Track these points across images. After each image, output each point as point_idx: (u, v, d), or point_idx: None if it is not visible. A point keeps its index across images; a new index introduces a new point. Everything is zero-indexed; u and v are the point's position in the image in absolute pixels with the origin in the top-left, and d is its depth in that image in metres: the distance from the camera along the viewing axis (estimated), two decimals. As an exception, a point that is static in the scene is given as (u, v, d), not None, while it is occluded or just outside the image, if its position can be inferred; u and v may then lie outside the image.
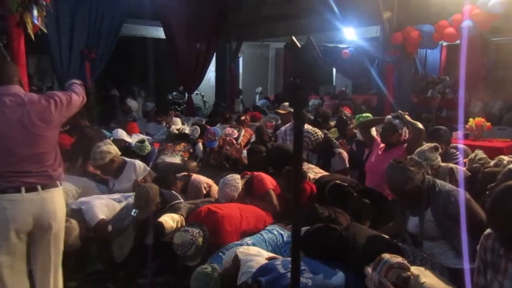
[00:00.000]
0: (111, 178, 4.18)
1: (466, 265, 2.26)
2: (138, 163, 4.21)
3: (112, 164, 4.08)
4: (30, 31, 3.65)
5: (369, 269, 2.05)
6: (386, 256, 2.03)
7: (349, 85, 14.77)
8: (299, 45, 1.20)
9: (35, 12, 3.60)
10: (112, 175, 4.16)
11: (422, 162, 2.90)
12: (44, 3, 3.68)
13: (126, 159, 4.24)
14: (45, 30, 3.82)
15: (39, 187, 2.55)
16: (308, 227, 2.63)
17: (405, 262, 2.04)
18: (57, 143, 2.74)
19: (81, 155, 4.58)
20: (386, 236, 2.59)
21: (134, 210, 3.33)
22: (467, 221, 2.46)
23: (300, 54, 1.19)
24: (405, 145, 3.86)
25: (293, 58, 1.25)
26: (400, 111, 4.00)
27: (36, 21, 3.62)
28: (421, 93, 10.79)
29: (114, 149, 4.11)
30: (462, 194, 2.50)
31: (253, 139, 6.05)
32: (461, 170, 3.45)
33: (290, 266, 2.17)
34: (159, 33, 10.96)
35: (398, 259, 2.03)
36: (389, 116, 4.03)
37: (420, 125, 3.79)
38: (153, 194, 3.45)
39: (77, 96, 2.82)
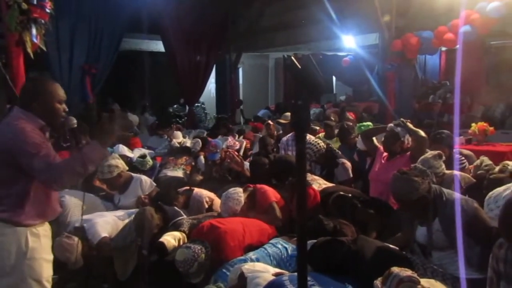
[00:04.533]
0: (117, 193, 4.17)
1: (463, 275, 2.22)
2: (145, 178, 4.19)
3: (119, 178, 4.07)
4: (29, 49, 3.66)
5: (378, 284, 2.00)
6: (396, 269, 1.98)
7: (349, 93, 14.77)
8: (299, 66, 1.17)
9: (34, 31, 3.62)
10: (118, 190, 4.15)
11: (426, 171, 2.86)
12: (43, 21, 3.70)
13: (133, 174, 4.24)
14: (44, 48, 3.83)
15: None
16: (314, 240, 2.58)
17: (415, 275, 1.99)
18: None
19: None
20: (395, 248, 2.54)
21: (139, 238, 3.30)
22: (475, 230, 2.43)
23: (301, 75, 1.16)
24: (409, 153, 3.82)
25: (294, 79, 1.22)
26: (402, 119, 3.96)
27: (35, 39, 3.62)
28: (422, 98, 10.77)
29: (121, 164, 4.12)
30: (458, 200, 2.45)
31: (255, 149, 6.01)
32: (457, 175, 3.40)
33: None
34: (158, 46, 11.01)
35: (408, 272, 1.98)
36: (391, 124, 3.99)
37: (423, 133, 3.75)
38: (149, 220, 3.41)
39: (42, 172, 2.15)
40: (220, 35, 10.70)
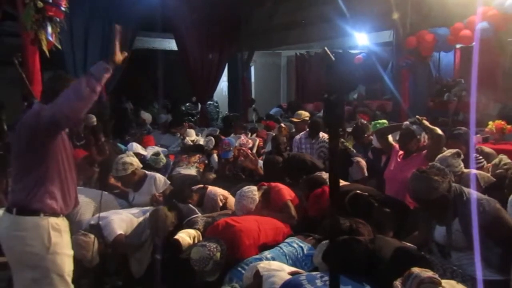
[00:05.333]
0: (131, 191, 4.19)
1: (479, 276, 2.17)
2: (159, 176, 4.20)
3: (133, 176, 4.08)
4: (44, 48, 3.68)
5: (398, 284, 1.97)
6: (416, 270, 1.94)
7: (362, 91, 14.65)
8: (333, 58, 1.12)
9: (49, 29, 3.63)
10: (133, 188, 4.16)
11: (445, 169, 2.80)
12: (58, 19, 3.71)
13: (147, 172, 4.25)
14: (59, 47, 3.85)
15: None
16: (330, 240, 2.54)
17: (436, 276, 1.95)
18: None
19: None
20: (413, 248, 2.50)
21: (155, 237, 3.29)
22: (497, 231, 2.37)
23: (335, 68, 1.12)
24: (425, 151, 3.76)
25: (327, 72, 1.18)
26: (417, 117, 3.90)
27: (50, 38, 3.64)
28: (436, 96, 10.63)
29: (136, 161, 4.13)
30: (474, 200, 2.39)
31: (268, 147, 5.99)
32: (474, 174, 3.33)
33: (316, 281, 2.13)
34: (171, 45, 11.03)
35: (428, 273, 1.94)
36: (407, 122, 3.93)
37: (439, 131, 3.68)
38: (164, 220, 3.42)
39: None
40: (233, 33, 10.68)
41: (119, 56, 2.32)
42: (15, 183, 2.33)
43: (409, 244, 2.67)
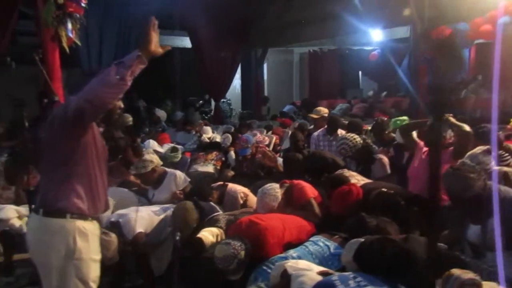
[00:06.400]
0: (151, 188, 4.15)
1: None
2: (179, 173, 4.16)
3: (153, 173, 4.04)
4: (64, 44, 3.65)
5: (437, 287, 1.89)
6: (456, 272, 1.87)
7: (375, 88, 14.50)
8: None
9: (69, 25, 3.60)
10: (152, 185, 4.13)
11: (475, 167, 2.72)
12: (78, 15, 3.68)
13: (167, 169, 4.21)
14: (79, 43, 3.82)
15: None
16: (359, 239, 2.48)
17: (477, 278, 1.88)
18: None
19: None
20: (446, 248, 2.42)
21: (177, 234, 3.23)
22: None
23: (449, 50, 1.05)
24: (451, 148, 3.67)
25: (440, 55, 1.10)
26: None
27: (70, 34, 3.62)
28: (452, 93, 10.44)
29: (156, 159, 4.10)
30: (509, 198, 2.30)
31: (285, 145, 5.93)
32: (495, 172, 3.22)
33: (349, 282, 2.06)
34: (184, 42, 11.02)
35: (469, 275, 1.87)
36: (432, 119, 3.84)
37: (467, 127, 3.58)
38: (190, 214, 3.37)
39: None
40: (246, 31, 10.64)
41: (154, 47, 2.12)
42: (43, 181, 2.27)
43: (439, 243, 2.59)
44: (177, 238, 3.15)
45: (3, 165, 4.54)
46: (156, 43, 2.10)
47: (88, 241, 2.21)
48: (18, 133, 4.85)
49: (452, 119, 3.68)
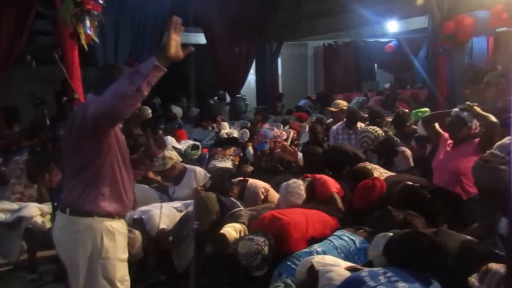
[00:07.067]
0: (171, 185, 4.15)
1: None
2: (199, 169, 4.16)
3: (173, 170, 4.05)
4: (83, 41, 3.65)
5: (474, 281, 1.83)
6: (494, 266, 1.80)
7: (391, 80, 14.31)
8: None
9: (88, 23, 3.60)
10: (173, 182, 4.13)
11: (505, 157, 2.63)
12: (96, 12, 3.68)
13: (187, 165, 4.21)
14: (97, 40, 3.83)
15: None
16: (387, 233, 2.42)
17: (516, 272, 1.81)
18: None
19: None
20: (479, 242, 2.35)
21: (195, 222, 3.22)
22: None
23: None
24: (477, 139, 3.57)
25: None
26: (468, 103, 3.70)
27: (89, 31, 3.62)
28: (472, 84, 10.23)
29: (175, 155, 4.11)
30: None
31: (303, 139, 5.88)
32: None
33: (379, 278, 2.01)
34: (198, 39, 11.00)
35: (507, 269, 1.80)
36: (456, 109, 3.74)
37: (493, 118, 3.48)
38: (212, 204, 3.36)
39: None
40: (261, 24, 10.58)
41: (175, 50, 1.94)
42: (67, 181, 2.24)
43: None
44: (195, 226, 3.13)
45: (24, 164, 4.59)
46: (177, 46, 1.94)
47: (115, 240, 2.20)
48: (39, 131, 4.89)
49: (478, 109, 3.58)
